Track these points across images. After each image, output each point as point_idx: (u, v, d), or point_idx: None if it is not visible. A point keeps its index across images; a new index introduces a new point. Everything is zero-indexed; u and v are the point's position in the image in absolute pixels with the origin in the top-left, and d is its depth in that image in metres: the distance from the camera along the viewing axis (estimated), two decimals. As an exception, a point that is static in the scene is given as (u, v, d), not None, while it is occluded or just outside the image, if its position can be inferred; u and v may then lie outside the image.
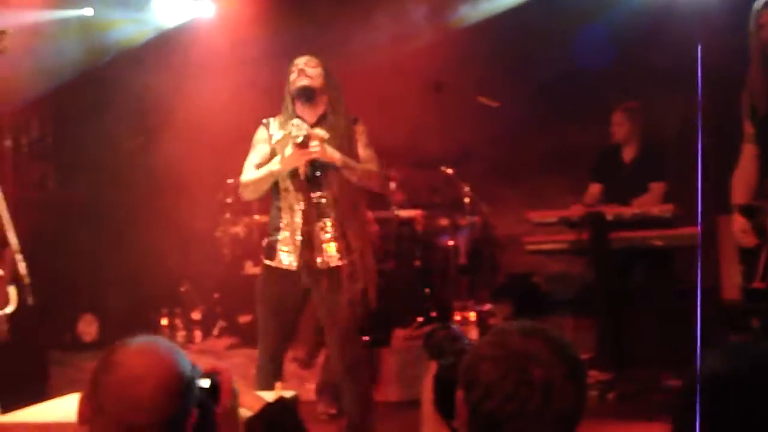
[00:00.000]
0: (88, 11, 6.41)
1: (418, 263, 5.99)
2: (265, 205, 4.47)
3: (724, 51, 3.90)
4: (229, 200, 6.02)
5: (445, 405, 1.74)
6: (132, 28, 6.65)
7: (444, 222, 6.21)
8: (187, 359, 1.68)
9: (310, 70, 3.90)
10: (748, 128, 3.86)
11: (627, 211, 5.27)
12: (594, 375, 5.10)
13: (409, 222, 6.01)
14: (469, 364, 1.54)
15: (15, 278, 2.98)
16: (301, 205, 3.82)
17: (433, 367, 1.80)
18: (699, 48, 2.59)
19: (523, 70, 6.46)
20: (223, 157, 5.68)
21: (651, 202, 5.36)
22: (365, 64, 6.10)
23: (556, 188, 6.19)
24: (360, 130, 4.00)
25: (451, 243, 6.14)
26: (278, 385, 3.31)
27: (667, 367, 5.02)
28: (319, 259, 3.81)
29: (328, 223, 3.83)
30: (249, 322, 5.68)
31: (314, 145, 3.70)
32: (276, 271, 3.85)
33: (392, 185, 6.04)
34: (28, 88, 5.79)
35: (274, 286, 3.87)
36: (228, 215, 6.06)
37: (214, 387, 1.77)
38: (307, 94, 3.86)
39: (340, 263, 3.82)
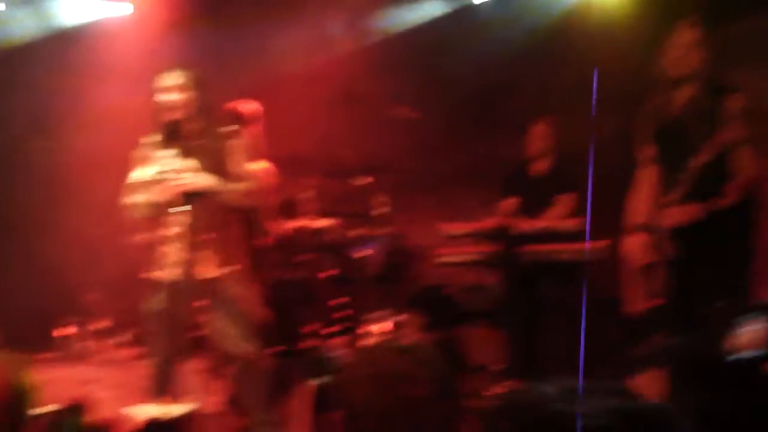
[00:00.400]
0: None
1: (332, 273, 5.96)
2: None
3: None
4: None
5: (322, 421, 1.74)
6: (31, 23, 6.49)
7: (359, 232, 6.19)
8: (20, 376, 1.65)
9: (174, 98, 4.06)
10: (647, 151, 3.96)
11: (536, 225, 5.35)
12: (506, 385, 5.16)
13: (323, 231, 5.97)
14: (344, 384, 1.53)
15: None
16: (178, 228, 4.15)
17: (311, 386, 1.79)
18: (595, 72, 2.67)
19: (439, 82, 6.53)
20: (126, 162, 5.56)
21: (560, 216, 5.45)
22: (281, 72, 6.07)
23: (471, 201, 6.25)
24: (237, 145, 4.10)
25: (365, 253, 6.12)
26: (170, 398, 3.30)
27: (573, 376, 5.09)
28: (197, 271, 4.15)
29: (203, 239, 4.17)
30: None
31: (183, 177, 4.07)
32: (162, 283, 4.14)
33: (307, 194, 6.00)
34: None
35: (161, 297, 4.13)
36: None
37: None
38: (171, 129, 4.10)
39: (216, 274, 4.15)
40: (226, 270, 4.21)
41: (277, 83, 6.24)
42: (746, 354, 3.00)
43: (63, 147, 6.15)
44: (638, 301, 4.07)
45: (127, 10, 6.80)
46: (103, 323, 5.92)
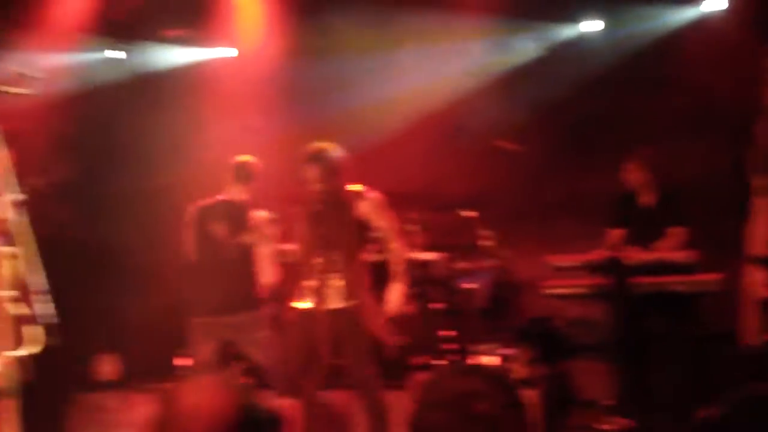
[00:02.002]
0: (117, 53, 6.66)
1: (438, 306, 5.99)
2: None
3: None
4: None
5: None
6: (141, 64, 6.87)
7: (464, 265, 6.21)
8: (251, 396, 1.74)
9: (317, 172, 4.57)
10: (758, 181, 3.85)
11: (647, 257, 5.26)
12: (615, 421, 5.06)
13: (429, 265, 6.02)
14: (417, 415, 1.58)
15: (41, 318, 3.02)
16: (317, 263, 4.59)
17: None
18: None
19: (544, 112, 6.52)
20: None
21: (671, 247, 5.34)
22: (385, 108, 6.17)
23: (577, 232, 6.19)
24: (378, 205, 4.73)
25: (471, 286, 6.13)
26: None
27: (687, 413, 4.96)
28: (332, 303, 4.54)
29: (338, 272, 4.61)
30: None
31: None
32: (301, 313, 4.56)
33: (414, 227, 6.06)
34: (55, 130, 5.92)
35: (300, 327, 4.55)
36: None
37: (274, 423, 1.81)
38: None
39: (349, 305, 4.53)
40: (358, 301, 4.55)
41: (384, 120, 6.35)
42: None
43: (180, 181, 6.40)
44: (757, 334, 3.94)
45: (231, 53, 7.12)
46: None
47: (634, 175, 5.60)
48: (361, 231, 4.71)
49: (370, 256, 5.49)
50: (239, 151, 5.36)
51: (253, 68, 6.76)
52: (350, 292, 4.59)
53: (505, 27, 6.54)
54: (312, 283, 4.62)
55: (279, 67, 6.65)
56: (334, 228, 4.63)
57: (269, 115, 6.37)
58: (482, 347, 5.93)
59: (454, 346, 5.87)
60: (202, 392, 1.74)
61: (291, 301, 4.70)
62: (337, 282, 4.60)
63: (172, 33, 7.04)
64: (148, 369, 5.97)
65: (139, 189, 6.58)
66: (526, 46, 6.62)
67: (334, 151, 4.67)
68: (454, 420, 1.42)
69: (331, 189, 4.61)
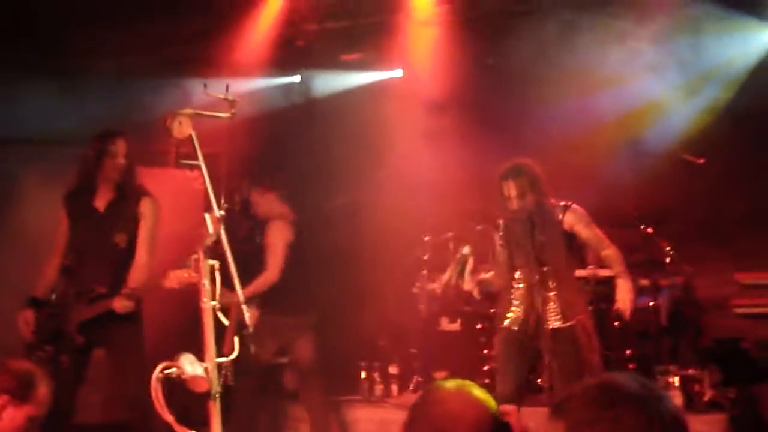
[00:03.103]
0: (296, 78, 6.95)
1: (617, 324, 5.83)
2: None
3: None
4: (425, 257, 6.13)
5: None
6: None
7: (644, 282, 6.01)
8: (492, 403, 1.79)
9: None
10: None
11: None
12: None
13: (607, 281, 5.87)
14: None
15: (240, 327, 3.18)
16: (528, 282, 4.60)
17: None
18: None
19: (726, 122, 6.22)
20: (421, 214, 5.82)
21: None
22: (563, 123, 6.10)
23: (764, 248, 5.86)
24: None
25: (651, 303, 5.94)
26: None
27: None
28: (546, 322, 4.52)
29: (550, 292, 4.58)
30: (444, 378, 5.72)
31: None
32: (510, 331, 4.62)
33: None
34: (244, 151, 6.22)
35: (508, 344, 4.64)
36: (425, 272, 6.17)
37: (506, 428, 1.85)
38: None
39: (562, 325, 4.50)
40: (572, 321, 4.49)
41: (560, 131, 6.27)
42: None
43: (356, 202, 6.57)
44: None
45: (397, 74, 7.25)
46: (396, 368, 6.17)
47: None
48: (570, 245, 4.62)
49: (582, 272, 5.48)
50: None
51: (435, 88, 6.79)
52: (567, 311, 4.51)
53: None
54: (523, 302, 4.58)
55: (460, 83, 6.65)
56: (541, 243, 4.53)
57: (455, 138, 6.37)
58: (663, 367, 5.73)
59: (636, 366, 5.70)
60: (461, 397, 1.79)
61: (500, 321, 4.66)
62: (552, 300, 4.52)
63: (348, 57, 7.24)
64: (328, 381, 6.15)
65: (321, 209, 6.79)
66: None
67: (532, 165, 4.60)
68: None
69: (533, 204, 4.52)
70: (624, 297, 4.55)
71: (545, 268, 4.52)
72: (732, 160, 6.16)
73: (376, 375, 6.10)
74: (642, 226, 5.95)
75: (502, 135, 6.24)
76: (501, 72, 6.68)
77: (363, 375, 6.14)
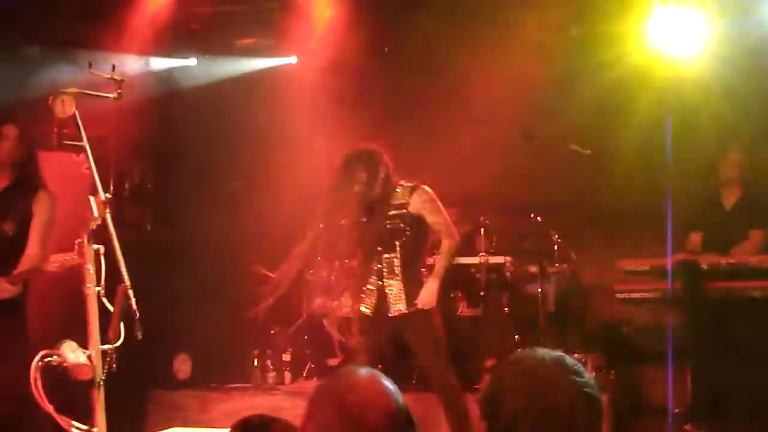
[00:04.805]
0: (192, 61, 6.83)
1: (506, 310, 5.97)
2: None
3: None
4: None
5: None
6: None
7: (533, 269, 6.18)
8: (399, 394, 1.79)
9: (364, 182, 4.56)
10: None
11: (724, 261, 5.16)
12: (689, 429, 4.98)
13: (497, 268, 6.01)
14: (491, 395, 1.56)
15: (126, 313, 3.11)
16: (381, 268, 4.62)
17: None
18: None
19: (616, 117, 6.40)
20: (311, 201, 5.78)
21: (752, 251, 5.23)
22: (455, 112, 6.17)
23: (648, 237, 6.08)
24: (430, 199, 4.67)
25: (539, 290, 6.10)
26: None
27: (763, 421, 4.86)
28: (396, 307, 4.58)
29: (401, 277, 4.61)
30: (337, 365, 5.75)
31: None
32: (366, 317, 4.63)
33: (482, 231, 6.06)
34: (133, 134, 6.06)
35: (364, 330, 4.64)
36: (319, 258, 6.15)
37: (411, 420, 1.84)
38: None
39: (413, 309, 4.55)
40: (421, 305, 4.55)
41: (452, 123, 6.35)
42: None
43: (252, 185, 6.51)
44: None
45: (291, 60, 7.21)
46: (289, 355, 6.15)
47: (732, 170, 5.40)
48: (419, 229, 4.57)
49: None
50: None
51: (317, 75, 6.78)
52: (411, 297, 4.55)
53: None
54: (370, 288, 4.60)
55: (343, 71, 6.65)
56: (386, 229, 4.52)
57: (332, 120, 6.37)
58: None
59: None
60: (373, 386, 1.78)
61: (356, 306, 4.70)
62: (396, 286, 4.55)
63: (242, 42, 7.15)
64: (221, 369, 6.09)
65: (215, 194, 6.69)
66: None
67: (378, 150, 4.55)
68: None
69: (379, 191, 4.49)
70: (424, 299, 4.57)
71: (389, 255, 4.55)
72: (618, 155, 6.34)
73: (268, 362, 6.07)
74: (532, 215, 6.10)
75: (393, 124, 6.29)
76: (397, 60, 6.71)
77: (255, 362, 6.11)
